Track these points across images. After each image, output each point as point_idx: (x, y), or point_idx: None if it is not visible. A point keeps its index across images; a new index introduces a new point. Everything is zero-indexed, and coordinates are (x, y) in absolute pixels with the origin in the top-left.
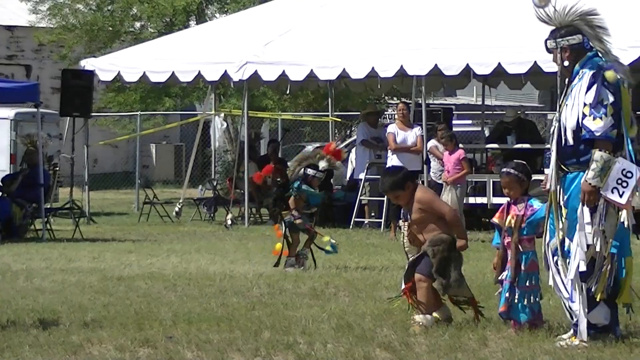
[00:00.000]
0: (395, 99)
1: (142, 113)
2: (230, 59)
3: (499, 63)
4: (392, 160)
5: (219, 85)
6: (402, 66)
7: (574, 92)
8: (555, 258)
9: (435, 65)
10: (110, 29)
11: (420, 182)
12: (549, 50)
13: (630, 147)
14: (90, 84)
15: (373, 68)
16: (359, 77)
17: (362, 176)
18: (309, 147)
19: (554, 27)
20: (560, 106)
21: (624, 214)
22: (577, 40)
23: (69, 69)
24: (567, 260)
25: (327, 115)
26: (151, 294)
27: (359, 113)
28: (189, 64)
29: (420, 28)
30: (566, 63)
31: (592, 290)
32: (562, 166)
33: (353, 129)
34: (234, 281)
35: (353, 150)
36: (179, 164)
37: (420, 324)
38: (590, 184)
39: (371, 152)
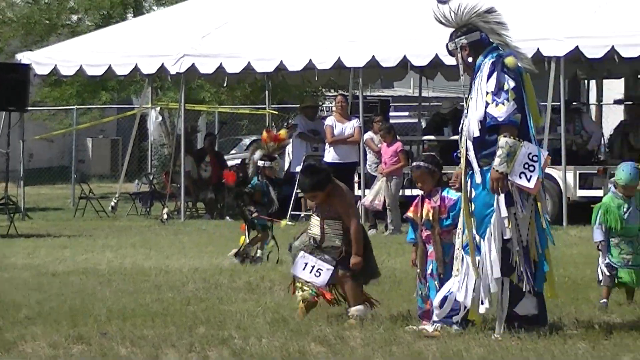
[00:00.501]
0: (332, 91)
1: (78, 107)
2: (167, 52)
3: (436, 54)
4: (330, 152)
5: (156, 78)
6: (339, 58)
7: (476, 84)
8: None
9: (373, 56)
10: (47, 22)
11: (357, 174)
12: (451, 53)
13: (533, 131)
14: (26, 77)
15: (310, 60)
16: (296, 70)
17: (299, 169)
18: (246, 140)
19: (452, 29)
20: (466, 101)
21: (542, 205)
22: (476, 37)
23: (5, 63)
24: (477, 257)
25: (264, 108)
26: (86, 290)
27: (296, 106)
28: (126, 57)
29: (357, 20)
30: (469, 60)
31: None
32: (469, 161)
33: (290, 121)
34: (169, 276)
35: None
36: (115, 158)
37: (356, 315)
38: (497, 170)
39: (308, 145)
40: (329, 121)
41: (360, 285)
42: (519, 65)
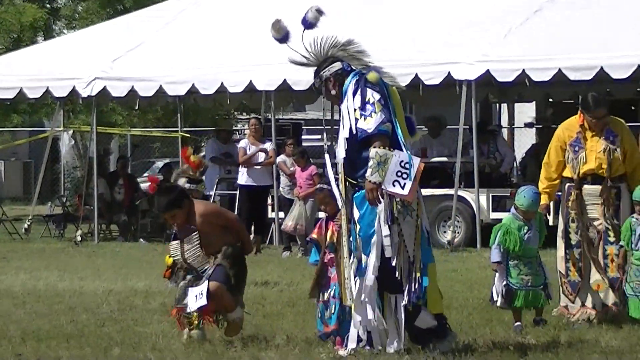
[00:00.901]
0: (245, 114)
1: None
2: (79, 75)
3: None
4: (243, 175)
5: (68, 102)
6: (251, 81)
7: (344, 106)
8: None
9: (284, 80)
10: None
11: (271, 197)
12: (319, 90)
13: (403, 140)
14: None
15: (222, 83)
16: (208, 93)
17: (212, 192)
18: (159, 163)
19: (315, 68)
20: (338, 128)
21: (422, 220)
22: (338, 67)
23: None
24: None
25: (177, 131)
26: (0, 312)
27: (209, 128)
28: (37, 80)
29: (269, 43)
30: (333, 92)
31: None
32: (352, 182)
33: (202, 144)
34: (84, 298)
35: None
36: (28, 181)
37: (236, 318)
38: (370, 181)
39: (221, 168)
40: (243, 143)
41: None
42: (382, 79)
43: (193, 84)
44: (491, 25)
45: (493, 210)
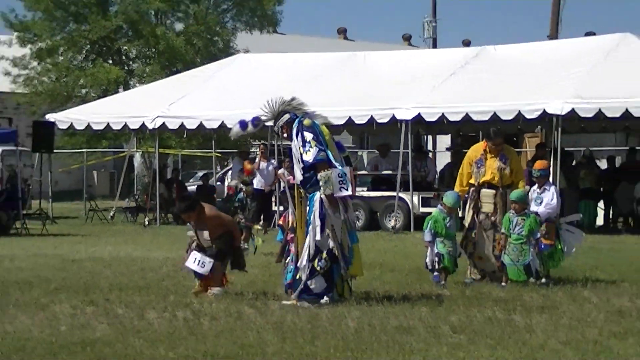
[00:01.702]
0: (257, 140)
1: (87, 150)
2: (146, 114)
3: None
4: (256, 181)
5: (139, 132)
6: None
7: (294, 145)
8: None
9: None
10: (65, 94)
11: (274, 196)
12: (277, 133)
13: (334, 159)
14: (52, 130)
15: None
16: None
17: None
18: (200, 173)
19: (273, 120)
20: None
21: (349, 216)
22: (287, 118)
23: (38, 121)
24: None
25: (211, 152)
26: (94, 271)
27: (232, 150)
28: (119, 117)
29: (274, 94)
30: (285, 135)
31: (319, 266)
32: (306, 192)
33: (229, 160)
34: (150, 262)
35: (229, 173)
36: (112, 184)
37: (214, 293)
38: (326, 195)
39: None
40: (256, 161)
41: (223, 273)
42: (315, 121)
43: (222, 121)
44: (421, 83)
45: (422, 206)
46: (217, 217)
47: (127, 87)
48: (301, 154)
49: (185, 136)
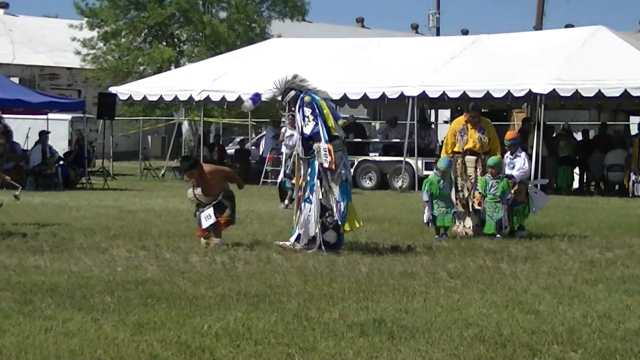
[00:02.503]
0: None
1: (143, 118)
2: (193, 88)
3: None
4: (284, 147)
5: (187, 103)
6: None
7: (296, 118)
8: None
9: None
10: (126, 70)
11: None
12: (284, 106)
13: (325, 132)
14: (114, 101)
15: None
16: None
17: (267, 154)
18: (237, 139)
19: (281, 96)
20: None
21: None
22: (293, 94)
23: (102, 92)
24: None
25: (247, 121)
26: (147, 221)
27: (266, 120)
28: (170, 90)
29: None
30: (293, 109)
31: (328, 222)
32: (306, 157)
33: (262, 128)
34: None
35: (263, 139)
36: (164, 147)
37: (215, 243)
38: (322, 163)
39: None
40: (283, 129)
41: (221, 226)
42: (315, 97)
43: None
44: (426, 65)
45: (425, 170)
46: (218, 171)
47: (177, 65)
48: (302, 127)
49: (225, 107)
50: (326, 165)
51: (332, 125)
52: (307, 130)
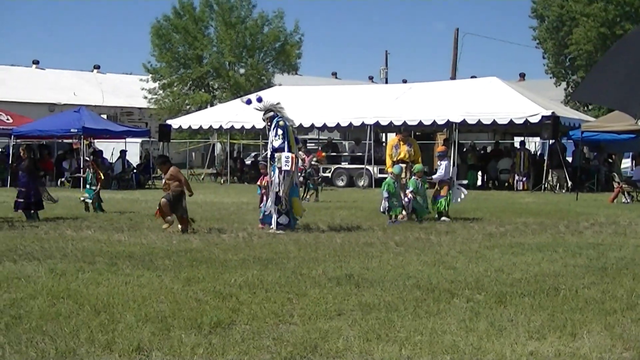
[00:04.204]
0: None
1: (189, 140)
2: (222, 120)
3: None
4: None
5: (218, 130)
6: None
7: (270, 133)
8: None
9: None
10: (177, 108)
11: None
12: (264, 120)
13: (291, 150)
14: (169, 129)
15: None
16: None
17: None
18: (253, 154)
19: (262, 113)
20: (269, 138)
21: (294, 179)
22: (271, 114)
23: (162, 124)
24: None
25: (259, 141)
26: (192, 210)
27: None
28: (206, 122)
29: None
30: (268, 125)
31: (282, 207)
32: (271, 163)
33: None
34: (224, 205)
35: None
36: (203, 160)
37: (169, 219)
38: (281, 167)
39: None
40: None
41: (170, 208)
42: (286, 123)
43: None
44: (379, 103)
45: (379, 173)
46: (176, 175)
47: (211, 105)
48: (272, 141)
49: (244, 132)
50: (286, 168)
51: (293, 145)
52: (276, 144)
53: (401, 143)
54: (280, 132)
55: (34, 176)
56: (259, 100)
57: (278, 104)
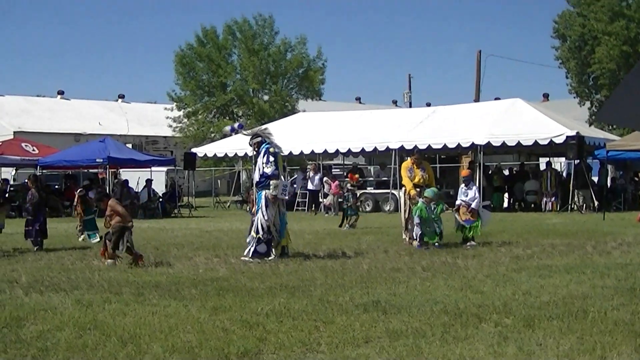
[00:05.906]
0: (310, 161)
1: (214, 168)
2: (247, 148)
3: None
4: (309, 184)
5: (243, 157)
6: (325, 150)
7: (259, 158)
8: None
9: (325, 149)
10: (202, 136)
11: (321, 194)
12: (251, 145)
13: (281, 176)
14: (194, 157)
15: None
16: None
17: (298, 191)
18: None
19: (249, 138)
20: (254, 164)
21: (281, 208)
22: (258, 139)
23: (187, 152)
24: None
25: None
26: (218, 237)
27: (295, 167)
28: (231, 149)
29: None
30: (255, 151)
31: (262, 237)
32: (256, 188)
33: (294, 173)
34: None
35: (295, 180)
36: (229, 187)
37: (110, 263)
38: (272, 194)
39: (303, 181)
40: (308, 172)
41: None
42: (275, 150)
43: (290, 151)
44: (403, 127)
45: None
46: (114, 208)
47: (236, 133)
48: (263, 166)
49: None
50: (285, 197)
51: (281, 173)
52: (268, 171)
53: (415, 166)
54: (272, 159)
55: (39, 209)
56: (240, 126)
57: (266, 129)
